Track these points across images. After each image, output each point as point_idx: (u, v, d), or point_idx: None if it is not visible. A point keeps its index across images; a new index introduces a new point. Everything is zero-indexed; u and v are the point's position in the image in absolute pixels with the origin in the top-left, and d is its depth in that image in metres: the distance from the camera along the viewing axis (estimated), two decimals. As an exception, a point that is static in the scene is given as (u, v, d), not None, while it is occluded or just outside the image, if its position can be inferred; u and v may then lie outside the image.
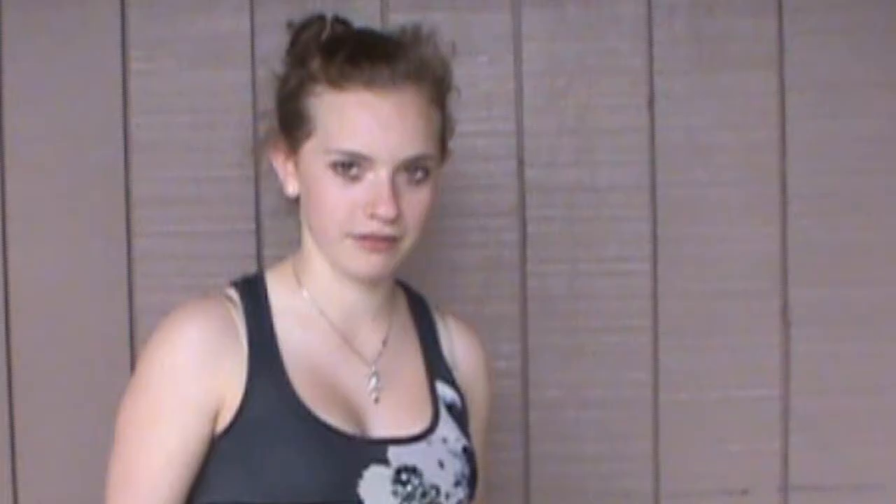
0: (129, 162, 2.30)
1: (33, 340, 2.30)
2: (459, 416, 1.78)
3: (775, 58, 2.27)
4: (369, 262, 1.68)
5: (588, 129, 2.29)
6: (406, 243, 1.69)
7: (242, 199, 2.28)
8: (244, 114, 2.27)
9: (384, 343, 1.77)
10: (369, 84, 1.67)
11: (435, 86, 1.72)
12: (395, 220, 1.66)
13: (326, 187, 1.67)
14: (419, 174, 1.68)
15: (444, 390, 1.78)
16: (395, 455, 1.68)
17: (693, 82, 2.28)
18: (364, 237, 1.67)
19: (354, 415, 1.70)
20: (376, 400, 1.73)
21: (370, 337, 1.76)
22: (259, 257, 2.28)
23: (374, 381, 1.74)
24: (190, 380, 1.66)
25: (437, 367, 1.80)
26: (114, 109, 2.30)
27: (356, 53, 1.69)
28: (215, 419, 1.67)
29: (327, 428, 1.66)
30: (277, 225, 2.27)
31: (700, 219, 2.28)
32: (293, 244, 2.26)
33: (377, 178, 1.65)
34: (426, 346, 1.81)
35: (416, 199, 1.68)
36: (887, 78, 2.26)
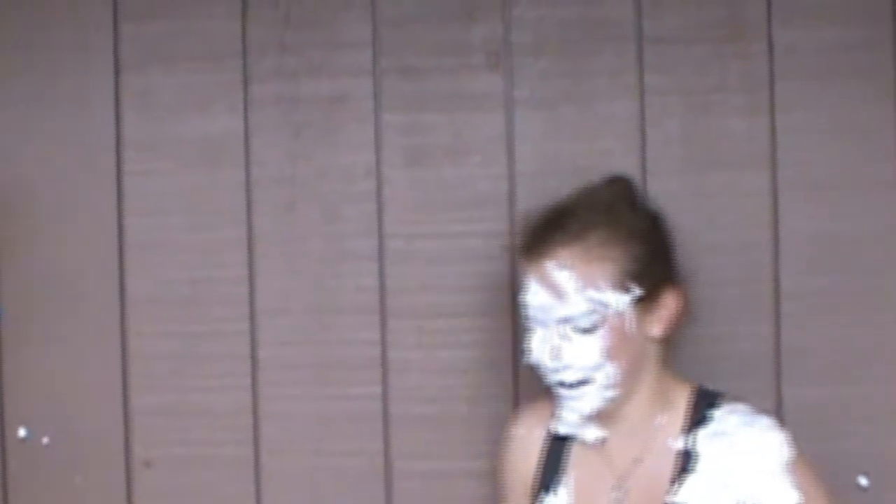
0: (124, 262, 2.32)
1: (30, 443, 2.32)
2: None
3: (768, 157, 2.26)
4: (569, 406, 1.94)
5: (581, 229, 2.28)
6: (597, 383, 1.91)
7: (236, 299, 2.29)
8: (238, 214, 2.29)
9: (635, 460, 1.96)
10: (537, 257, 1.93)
11: (604, 240, 1.90)
12: (561, 369, 1.90)
13: None
14: (580, 328, 1.89)
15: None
16: None
17: (686, 182, 2.27)
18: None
19: None
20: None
21: (622, 452, 1.98)
22: (253, 357, 2.29)
23: (614, 494, 1.96)
24: (509, 461, 2.08)
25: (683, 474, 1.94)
26: (108, 210, 2.32)
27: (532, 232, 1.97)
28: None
29: None
30: (271, 324, 2.28)
31: (693, 318, 2.27)
32: (286, 345, 2.28)
33: None
34: (683, 454, 1.94)
35: (585, 346, 1.89)
36: (880, 177, 2.24)
